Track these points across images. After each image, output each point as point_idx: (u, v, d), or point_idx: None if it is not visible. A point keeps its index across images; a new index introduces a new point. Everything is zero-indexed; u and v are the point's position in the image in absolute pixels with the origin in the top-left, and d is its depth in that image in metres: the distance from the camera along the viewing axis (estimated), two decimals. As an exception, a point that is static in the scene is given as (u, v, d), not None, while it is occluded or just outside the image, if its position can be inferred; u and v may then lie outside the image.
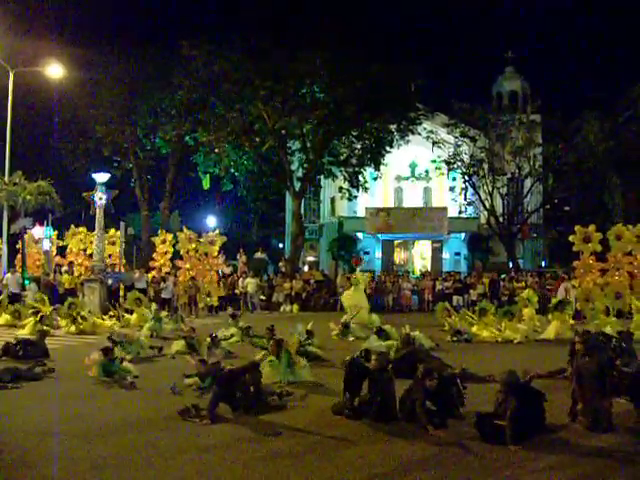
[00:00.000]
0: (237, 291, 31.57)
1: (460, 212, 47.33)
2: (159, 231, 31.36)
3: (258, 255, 39.63)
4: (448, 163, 45.20)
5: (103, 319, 21.57)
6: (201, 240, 29.14)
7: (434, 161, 46.55)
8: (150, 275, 28.31)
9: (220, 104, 37.21)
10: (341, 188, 40.62)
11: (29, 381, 11.86)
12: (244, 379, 9.71)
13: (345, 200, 43.05)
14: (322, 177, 43.96)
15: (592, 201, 43.51)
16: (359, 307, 22.36)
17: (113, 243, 30.04)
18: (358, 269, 25.72)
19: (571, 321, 20.46)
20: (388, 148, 39.66)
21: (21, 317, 21.70)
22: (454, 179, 47.95)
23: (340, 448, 8.03)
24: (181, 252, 29.20)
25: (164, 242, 29.87)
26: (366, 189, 41.33)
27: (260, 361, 9.89)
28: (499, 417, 8.24)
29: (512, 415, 8.04)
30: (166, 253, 29.61)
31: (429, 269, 44.76)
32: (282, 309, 30.84)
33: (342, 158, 39.60)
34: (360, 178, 40.13)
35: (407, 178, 52.38)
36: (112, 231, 30.09)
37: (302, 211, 40.15)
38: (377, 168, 40.40)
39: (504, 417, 8.13)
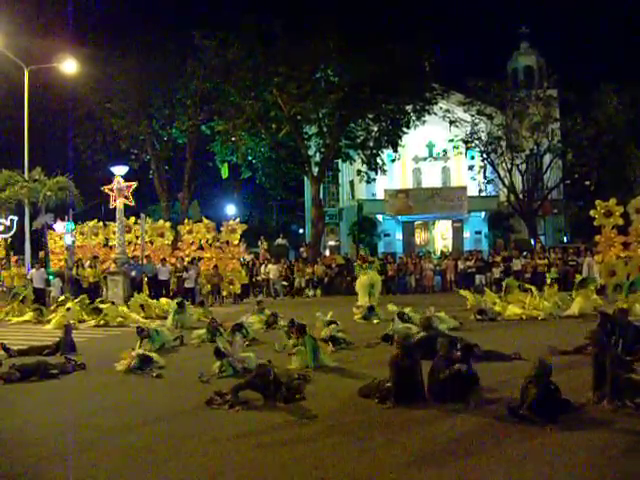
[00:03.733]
0: (259, 278, 31.71)
1: (480, 191, 47.04)
2: (185, 221, 31.40)
3: (279, 241, 39.70)
4: (466, 142, 44.98)
5: (129, 310, 21.72)
6: (222, 229, 29.22)
7: (451, 140, 46.29)
8: (172, 266, 28.41)
9: (235, 92, 37.19)
10: (359, 171, 40.53)
11: (58, 376, 11.99)
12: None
13: (364, 183, 42.93)
14: (340, 161, 43.93)
15: (613, 175, 43.00)
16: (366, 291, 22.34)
17: (128, 231, 30.11)
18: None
19: (596, 297, 20.30)
20: (405, 129, 39.51)
21: (43, 314, 21.87)
22: (472, 158, 47.73)
23: (370, 432, 8.01)
24: (201, 242, 29.32)
25: (190, 232, 29.90)
26: (384, 171, 41.22)
27: (269, 364, 9.87)
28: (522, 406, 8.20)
29: (530, 403, 8.05)
30: (192, 243, 29.68)
31: (450, 249, 44.63)
32: (305, 294, 30.93)
33: (359, 141, 39.44)
34: (378, 160, 39.98)
35: (425, 159, 52.13)
36: (132, 220, 30.11)
37: (321, 196, 40.13)
38: (394, 149, 40.24)
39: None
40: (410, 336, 11.14)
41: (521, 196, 45.29)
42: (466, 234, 49.11)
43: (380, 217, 48.44)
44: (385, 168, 40.99)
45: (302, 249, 39.33)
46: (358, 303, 21.54)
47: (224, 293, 28.32)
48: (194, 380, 11.12)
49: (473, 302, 20.45)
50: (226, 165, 41.82)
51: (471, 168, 46.70)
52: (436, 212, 46.41)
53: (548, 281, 22.34)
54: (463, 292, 21.90)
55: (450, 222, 49.68)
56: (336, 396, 9.83)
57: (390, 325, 15.64)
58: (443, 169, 52.18)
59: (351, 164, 42.55)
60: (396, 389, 9.10)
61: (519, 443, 7.36)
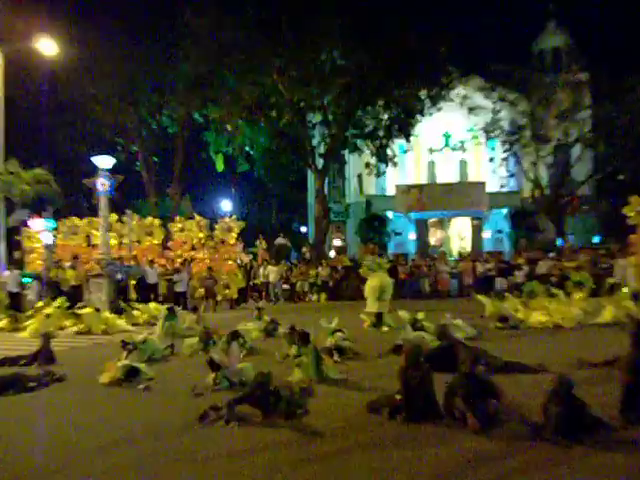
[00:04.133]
0: (257, 281, 31.78)
1: (501, 185, 46.99)
2: (176, 218, 31.44)
3: (279, 241, 39.75)
4: (486, 131, 44.93)
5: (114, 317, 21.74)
6: (216, 227, 29.30)
7: (470, 130, 46.26)
8: (161, 267, 28.41)
9: (231, 76, 37.13)
10: (368, 164, 40.56)
11: (36, 389, 12.03)
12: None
13: (373, 177, 43.01)
14: (347, 152, 43.92)
15: (649, 168, 42.93)
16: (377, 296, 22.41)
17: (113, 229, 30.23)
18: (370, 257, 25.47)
19: (629, 303, 20.27)
20: (418, 117, 39.41)
21: (19, 321, 21.93)
22: (493, 149, 47.70)
23: (380, 451, 8.03)
24: (194, 241, 29.37)
25: (182, 230, 29.94)
26: (395, 164, 41.22)
27: (268, 374, 9.90)
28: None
29: (554, 423, 8.07)
30: (184, 243, 29.72)
31: (468, 249, 44.61)
32: (308, 299, 30.97)
33: (368, 130, 39.40)
34: (388, 152, 39.98)
35: (441, 150, 52.05)
36: (116, 217, 30.12)
37: (326, 191, 40.14)
38: (407, 140, 40.25)
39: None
40: (421, 345, 11.15)
41: (547, 191, 45.22)
42: (486, 233, 49.10)
43: (391, 214, 48.47)
44: (396, 160, 40.97)
45: (304, 249, 39.41)
46: (366, 309, 21.57)
47: (219, 298, 28.37)
48: (186, 393, 11.17)
49: (493, 309, 20.46)
50: (221, 157, 41.93)
51: (492, 160, 46.66)
52: (453, 209, 46.45)
53: (571, 285, 22.20)
54: (482, 297, 21.90)
55: (468, 220, 49.67)
56: (342, 411, 9.85)
57: (401, 333, 15.68)
58: (460, 162, 52.15)
59: (359, 156, 42.53)
60: (407, 404, 9.13)
61: (543, 470, 7.30)
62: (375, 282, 22.06)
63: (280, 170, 43.82)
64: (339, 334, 15.37)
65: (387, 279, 22.70)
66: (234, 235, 29.41)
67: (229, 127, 38.15)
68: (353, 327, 18.16)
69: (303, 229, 62.32)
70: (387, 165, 40.57)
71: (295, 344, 13.20)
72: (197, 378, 11.84)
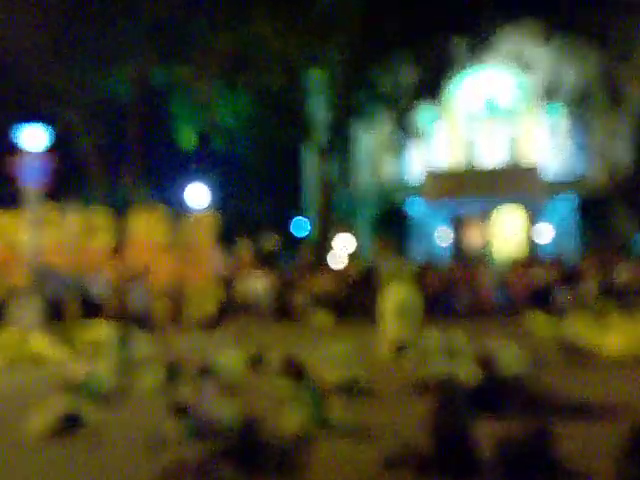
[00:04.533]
0: (239, 295, 31.76)
1: (564, 167, 46.89)
2: (131, 211, 31.36)
3: (268, 241, 39.74)
4: (544, 95, 44.83)
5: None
6: (185, 223, 29.28)
7: (523, 93, 46.16)
8: (111, 276, 28.36)
9: (202, 23, 36.99)
10: (385, 139, 40.40)
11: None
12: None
13: (391, 157, 42.91)
14: (357, 123, 43.80)
15: None
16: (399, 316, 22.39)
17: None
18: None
19: None
20: (452, 77, 39.32)
21: None
22: (553, 120, 47.55)
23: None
24: (154, 242, 29.33)
25: (139, 227, 29.84)
26: (422, 138, 41.06)
27: (254, 420, 9.88)
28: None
29: None
30: (144, 244, 29.67)
31: (520, 252, 44.55)
32: (307, 317, 30.93)
33: (384, 94, 39.23)
34: (412, 122, 39.81)
35: (483, 121, 51.96)
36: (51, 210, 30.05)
37: (330, 176, 40.05)
38: (437, 104, 40.11)
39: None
40: (457, 381, 11.14)
41: (625, 175, 45.18)
42: (543, 230, 49.02)
43: (416, 206, 48.43)
44: (423, 133, 40.87)
45: (303, 252, 39.34)
46: (385, 333, 21.54)
47: (189, 317, 28.34)
48: (144, 447, 11.12)
49: (553, 331, 20.44)
50: (189, 131, 41.87)
51: (552, 135, 46.64)
52: (499, 198, 46.36)
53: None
54: (539, 316, 21.87)
55: (519, 212, 49.62)
56: (352, 467, 9.83)
57: (430, 365, 15.68)
58: (510, 136, 52.09)
59: (373, 128, 42.47)
60: (437, 457, 9.10)
61: None
62: (397, 296, 21.99)
63: (268, 147, 43.81)
64: (348, 366, 15.34)
65: (413, 292, 22.66)
66: (209, 234, 29.37)
67: (200, 91, 38.08)
68: (367, 356, 18.17)
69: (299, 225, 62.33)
70: (411, 140, 40.43)
71: (290, 379, 13.20)
72: (159, 425, 11.81)
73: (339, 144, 45.71)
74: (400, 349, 19.56)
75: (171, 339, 23.80)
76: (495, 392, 12.13)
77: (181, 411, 11.72)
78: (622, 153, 44.98)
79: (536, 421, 9.39)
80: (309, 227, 50.53)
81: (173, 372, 15.68)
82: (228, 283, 31.89)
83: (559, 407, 11.86)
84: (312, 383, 12.38)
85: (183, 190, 60.01)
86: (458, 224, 49.44)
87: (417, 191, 46.42)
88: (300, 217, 60.63)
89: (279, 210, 67.53)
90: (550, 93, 44.46)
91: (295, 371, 12.91)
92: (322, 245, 37.96)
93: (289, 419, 11.88)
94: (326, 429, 11.68)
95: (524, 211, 48.81)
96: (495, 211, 50.13)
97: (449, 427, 9.16)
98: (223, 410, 11.97)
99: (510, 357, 16.46)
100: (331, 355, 16.17)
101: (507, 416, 10.96)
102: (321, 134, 38.18)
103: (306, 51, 36.58)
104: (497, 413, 10.83)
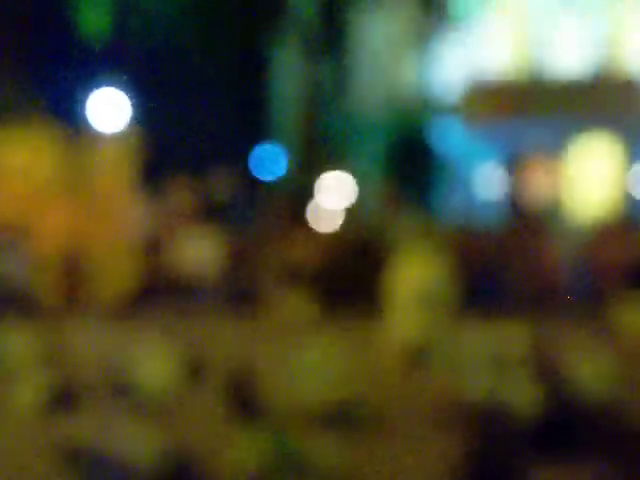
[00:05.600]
0: (171, 267, 31.83)
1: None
2: (7, 132, 31.39)
3: (219, 184, 39.71)
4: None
5: None
6: (89, 152, 29.24)
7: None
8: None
9: None
10: (403, 30, 40.30)
11: None
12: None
13: (413, 58, 42.87)
14: (360, 4, 43.83)
15: None
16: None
17: None
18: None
19: None
20: None
21: None
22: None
23: None
24: (40, 182, 29.26)
25: (18, 158, 29.87)
26: (463, 30, 41.00)
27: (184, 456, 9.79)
28: None
29: None
30: (24, 184, 29.69)
31: (606, 209, 44.79)
32: (275, 304, 31.07)
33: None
34: (448, 3, 39.79)
35: (556, 10, 51.92)
36: None
37: (316, 85, 40.08)
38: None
39: None
40: (506, 408, 11.15)
41: None
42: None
43: (449, 134, 48.52)
44: (464, 24, 40.82)
45: (269, 204, 39.37)
46: (394, 329, 21.65)
47: (92, 299, 28.39)
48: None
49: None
50: (99, 13, 41.81)
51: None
52: (578, 123, 46.44)
53: None
54: (635, 306, 21.89)
55: (609, 147, 49.73)
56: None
57: (464, 382, 15.65)
58: (593, 33, 52.08)
59: (386, 13, 42.44)
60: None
61: None
62: (416, 274, 22.09)
63: (221, 43, 43.65)
64: (336, 382, 15.33)
65: (441, 268, 22.79)
66: (125, 170, 29.32)
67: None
68: (366, 366, 18.24)
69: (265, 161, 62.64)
70: (445, 33, 40.33)
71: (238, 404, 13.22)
72: (43, 463, 11.78)
73: (332, 37, 45.71)
74: (419, 355, 19.60)
75: (64, 333, 23.75)
76: (567, 425, 12.10)
77: (74, 453, 11.64)
78: None
79: (630, 470, 9.38)
80: (281, 164, 50.61)
81: (65, 387, 15.58)
82: (155, 247, 31.92)
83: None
84: (273, 411, 12.25)
85: (88, 101, 60.11)
86: (515, 163, 49.51)
87: (452, 111, 46.18)
88: (267, 148, 60.69)
89: (235, 136, 67.64)
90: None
91: (244, 392, 12.81)
92: (301, 193, 37.84)
93: (237, 460, 11.85)
94: (302, 474, 11.70)
95: (616, 145, 48.94)
96: (572, 144, 50.35)
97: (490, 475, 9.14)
98: (141, 447, 11.95)
99: (591, 371, 16.50)
100: (310, 364, 16.17)
101: (584, 463, 10.93)
102: (304, 21, 38.09)
103: None
104: (569, 458, 10.84)
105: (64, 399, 15.19)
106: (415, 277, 22.17)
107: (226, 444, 12.69)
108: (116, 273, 28.34)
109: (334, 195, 52.31)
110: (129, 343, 20.69)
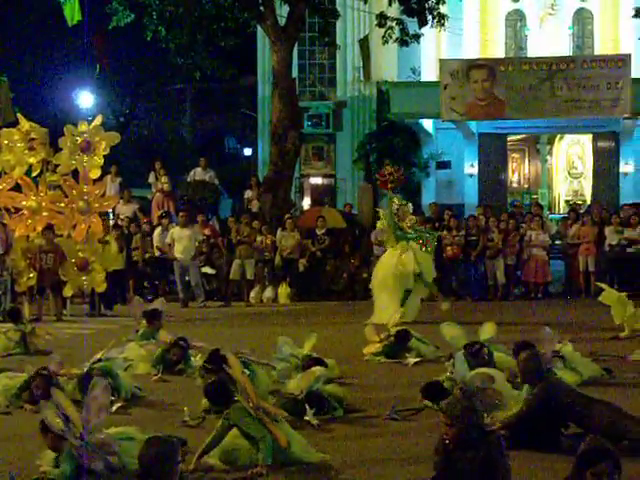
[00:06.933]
0: (150, 256, 31.78)
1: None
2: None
3: (198, 174, 39.57)
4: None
5: None
6: (64, 143, 29.12)
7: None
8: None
9: None
10: (382, 17, 40.13)
11: None
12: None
13: (393, 46, 42.74)
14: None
15: None
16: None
17: None
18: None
19: None
20: None
21: None
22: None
23: None
24: (15, 173, 29.10)
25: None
26: (441, 20, 40.84)
27: (168, 446, 9.61)
28: None
29: None
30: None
31: (588, 199, 44.67)
32: (254, 296, 31.25)
33: None
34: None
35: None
36: None
37: (295, 73, 39.84)
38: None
39: None
40: (482, 394, 11.13)
41: None
42: (626, 166, 49.13)
43: (428, 123, 48.51)
44: (442, 11, 40.67)
45: (249, 193, 39.23)
46: (375, 316, 21.60)
47: (68, 292, 28.30)
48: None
49: (635, 321, 20.50)
50: (74, 1, 41.62)
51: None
52: (558, 114, 46.41)
53: None
54: (615, 296, 21.82)
55: (589, 138, 49.78)
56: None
57: (447, 370, 15.70)
58: (576, 18, 52.04)
59: (365, 1, 42.28)
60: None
61: None
62: (396, 261, 22.06)
63: (200, 29, 43.41)
64: (318, 369, 15.31)
65: (424, 257, 22.80)
66: (100, 160, 29.21)
67: None
68: (348, 354, 18.18)
69: (247, 151, 62.32)
70: (425, 21, 40.16)
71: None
72: (23, 455, 11.80)
73: (308, 25, 45.60)
74: (397, 343, 19.55)
75: (40, 325, 23.62)
76: (546, 415, 12.07)
77: (50, 433, 11.53)
78: None
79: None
80: (261, 155, 50.53)
81: (45, 378, 15.40)
82: (128, 239, 31.76)
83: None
84: (242, 409, 12.09)
85: (64, 92, 59.90)
86: (496, 151, 49.42)
87: (434, 102, 45.98)
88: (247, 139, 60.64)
89: (216, 127, 67.52)
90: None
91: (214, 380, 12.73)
92: (281, 183, 37.58)
93: (217, 451, 11.78)
94: (284, 465, 11.64)
95: (594, 135, 48.89)
96: (554, 134, 50.20)
97: (468, 463, 9.09)
98: (120, 433, 11.88)
99: (573, 362, 16.44)
100: (289, 352, 16.14)
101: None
102: (279, 9, 37.95)
103: None
104: (546, 446, 10.81)
105: (48, 386, 15.05)
106: (397, 263, 22.27)
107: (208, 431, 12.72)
108: (94, 263, 28.11)
109: (318, 184, 52.43)
110: (107, 333, 20.69)
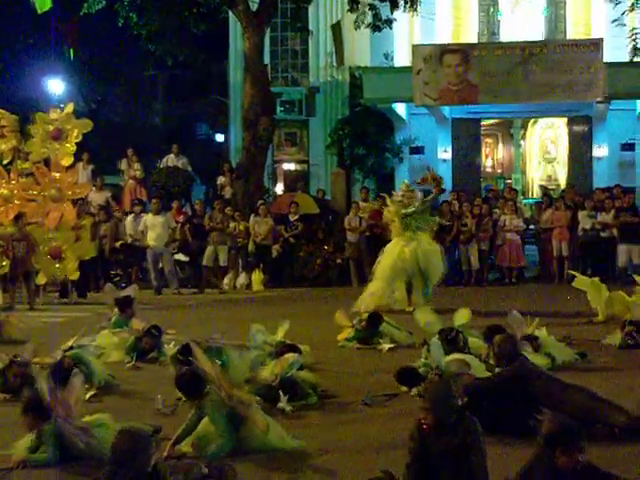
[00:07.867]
0: (122, 243, 31.67)
1: (635, 53, 46.98)
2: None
3: (170, 160, 39.47)
4: None
5: None
6: (34, 130, 29.04)
7: None
8: None
9: None
10: (354, 2, 40.10)
11: None
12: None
13: (365, 31, 42.73)
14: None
15: None
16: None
17: None
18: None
19: None
20: None
21: None
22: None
23: None
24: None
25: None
26: (414, 4, 40.84)
27: (141, 435, 9.58)
28: None
29: None
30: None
31: (562, 183, 44.70)
32: (228, 282, 31.23)
33: None
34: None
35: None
36: None
37: (267, 59, 39.77)
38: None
39: None
40: (457, 378, 11.14)
41: None
42: (599, 150, 49.21)
43: (402, 108, 48.50)
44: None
45: (222, 179, 39.15)
46: (359, 302, 21.59)
47: (41, 280, 28.24)
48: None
49: (613, 305, 20.56)
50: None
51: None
52: (531, 99, 46.43)
53: None
54: (588, 282, 21.91)
55: (562, 122, 49.86)
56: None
57: (422, 356, 15.75)
58: (548, 2, 52.01)
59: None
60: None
61: None
62: (397, 253, 22.25)
63: (171, 15, 43.25)
64: (292, 355, 15.30)
65: (431, 245, 23.04)
66: (72, 148, 29.13)
67: None
68: (322, 341, 18.17)
69: (219, 137, 62.10)
70: (397, 6, 40.19)
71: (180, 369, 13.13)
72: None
73: (281, 9, 45.50)
74: (370, 330, 19.55)
75: (12, 315, 23.45)
76: (516, 396, 12.09)
77: (31, 417, 11.55)
78: None
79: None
80: (234, 141, 50.40)
81: (20, 368, 15.41)
82: (96, 226, 31.67)
83: (620, 421, 11.83)
84: (215, 396, 12.12)
85: (35, 77, 59.61)
86: (469, 137, 49.42)
87: (407, 87, 45.91)
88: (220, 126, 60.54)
89: (188, 114, 67.27)
90: None
91: (184, 369, 12.73)
92: (254, 168, 37.52)
93: (190, 439, 11.80)
94: (253, 453, 11.69)
95: (568, 119, 48.94)
96: (527, 119, 50.32)
97: (444, 446, 9.10)
98: (95, 421, 11.89)
99: (547, 346, 16.49)
100: (262, 339, 16.13)
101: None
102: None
103: None
104: (519, 428, 10.87)
105: (23, 380, 15.07)
106: (400, 254, 22.38)
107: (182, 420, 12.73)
108: (66, 252, 28.08)
109: (291, 171, 52.36)
110: (80, 321, 20.63)
